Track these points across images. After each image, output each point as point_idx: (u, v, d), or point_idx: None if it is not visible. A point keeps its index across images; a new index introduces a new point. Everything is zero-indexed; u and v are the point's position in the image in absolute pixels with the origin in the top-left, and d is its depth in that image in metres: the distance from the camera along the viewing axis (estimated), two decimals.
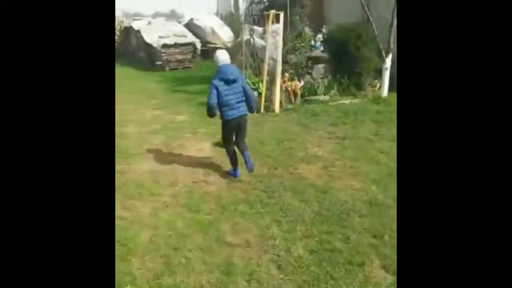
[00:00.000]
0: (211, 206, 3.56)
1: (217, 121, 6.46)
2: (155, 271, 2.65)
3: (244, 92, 4.05)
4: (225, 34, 14.52)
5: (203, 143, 5.44)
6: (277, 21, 6.49)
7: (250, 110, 4.21)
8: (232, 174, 4.22)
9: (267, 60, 6.79)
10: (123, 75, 11.79)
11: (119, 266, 2.71)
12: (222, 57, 4.06)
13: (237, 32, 13.66)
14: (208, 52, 14.82)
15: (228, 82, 3.92)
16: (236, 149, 4.21)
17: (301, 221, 3.23)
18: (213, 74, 4.04)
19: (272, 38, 6.62)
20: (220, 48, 14.44)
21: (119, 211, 3.52)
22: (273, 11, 6.64)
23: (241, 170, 4.23)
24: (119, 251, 2.90)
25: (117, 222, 3.31)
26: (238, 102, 4.00)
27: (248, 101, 4.10)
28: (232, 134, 4.18)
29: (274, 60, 6.65)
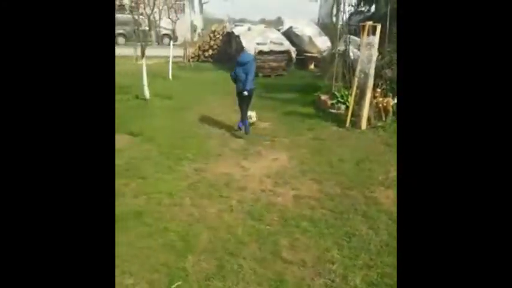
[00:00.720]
0: (274, 217, 3.52)
1: (300, 131, 6.44)
2: (207, 272, 2.71)
3: (248, 72, 5.90)
4: (323, 43, 14.36)
5: (280, 152, 5.43)
6: (374, 33, 6.20)
7: (243, 87, 5.96)
8: (239, 124, 6.29)
9: (357, 73, 6.52)
10: (219, 78, 12.45)
11: (175, 260, 2.84)
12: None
13: (334, 42, 13.46)
14: (304, 61, 14.89)
15: (241, 64, 5.99)
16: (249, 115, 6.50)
17: (366, 249, 3.01)
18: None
19: (366, 51, 6.34)
20: (316, 57, 14.43)
21: (188, 208, 3.70)
22: (369, 23, 6.37)
23: (314, 187, 4.12)
24: (179, 245, 3.05)
25: (184, 218, 3.50)
26: (246, 73, 5.93)
27: (243, 79, 5.92)
28: (241, 103, 6.23)
29: (366, 74, 6.36)
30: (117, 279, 2.62)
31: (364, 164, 4.87)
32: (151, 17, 9.56)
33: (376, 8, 10.96)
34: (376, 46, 6.25)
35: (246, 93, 5.98)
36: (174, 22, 12.94)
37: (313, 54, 14.71)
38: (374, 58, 6.25)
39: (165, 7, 12.15)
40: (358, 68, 6.55)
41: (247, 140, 5.96)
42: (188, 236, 3.18)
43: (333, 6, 9.81)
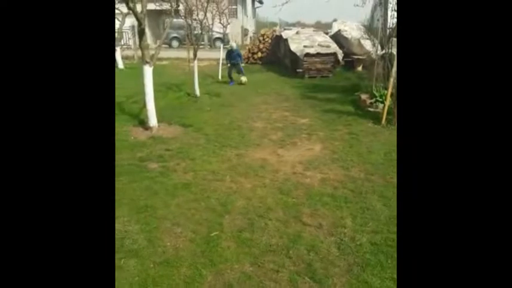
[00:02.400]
0: (300, 193, 4.08)
1: (336, 127, 6.88)
2: (240, 227, 3.34)
3: (235, 56, 12.15)
4: (371, 46, 14.54)
5: (315, 144, 5.94)
6: None
7: (237, 62, 12.18)
8: (230, 83, 11.83)
9: (393, 73, 6.86)
10: (265, 79, 13.14)
11: (215, 218, 3.51)
12: (233, 44, 12.47)
13: (383, 45, 13.57)
14: (352, 63, 15.15)
15: (231, 52, 12.09)
16: (233, 74, 12.14)
17: (376, 220, 3.47)
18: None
19: None
20: (364, 59, 14.62)
21: (228, 183, 4.37)
22: None
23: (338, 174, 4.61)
24: (218, 208, 3.71)
25: (224, 190, 4.16)
26: (233, 58, 12.04)
27: (237, 60, 12.19)
28: (231, 70, 12.12)
29: None
30: (169, 228, 3.34)
31: (391, 155, 5.25)
32: (204, 22, 10.44)
33: None
34: None
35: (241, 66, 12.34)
36: (225, 27, 13.81)
37: (360, 57, 14.94)
38: None
39: (218, 12, 13.07)
40: (394, 68, 6.88)
41: (285, 133, 6.54)
42: (226, 202, 3.84)
43: (376, 10, 10.06)
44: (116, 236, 3.20)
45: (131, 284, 2.65)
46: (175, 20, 14.50)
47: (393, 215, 3.57)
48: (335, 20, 19.25)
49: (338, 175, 4.61)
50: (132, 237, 3.21)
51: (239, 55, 12.46)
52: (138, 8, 5.91)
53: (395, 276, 2.67)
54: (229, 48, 12.28)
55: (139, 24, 5.96)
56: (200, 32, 10.85)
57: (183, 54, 16.24)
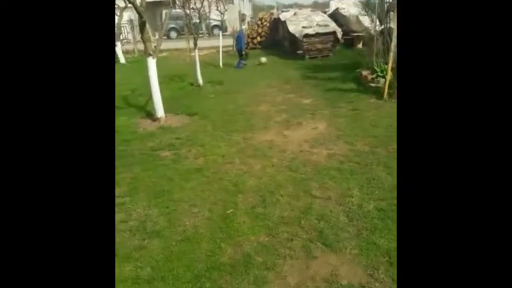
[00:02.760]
0: (308, 169, 4.26)
1: (339, 104, 7.01)
2: (252, 204, 3.54)
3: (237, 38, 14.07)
4: (369, 22, 14.48)
5: (319, 122, 6.09)
6: None
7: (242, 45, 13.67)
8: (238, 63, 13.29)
9: (392, 47, 6.94)
10: (269, 63, 13.24)
11: (228, 197, 3.70)
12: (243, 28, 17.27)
13: (381, 20, 13.51)
14: (352, 40, 15.11)
15: (240, 35, 13.87)
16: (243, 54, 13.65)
17: (381, 188, 3.65)
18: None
19: None
20: (364, 36, 14.56)
21: (238, 165, 4.55)
22: None
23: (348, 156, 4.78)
24: (231, 188, 3.90)
25: (234, 171, 4.35)
26: (240, 41, 13.55)
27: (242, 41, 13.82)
28: (239, 51, 13.55)
29: None
30: (187, 209, 3.54)
31: (393, 128, 5.39)
32: (202, 11, 10.50)
33: None
34: None
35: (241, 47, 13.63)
36: (222, 14, 13.84)
37: (360, 34, 14.89)
38: None
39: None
40: (393, 43, 6.95)
41: (289, 114, 6.68)
42: (238, 182, 4.03)
43: None
44: (137, 220, 3.42)
45: (157, 260, 2.86)
46: (172, 10, 14.55)
47: None
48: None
49: (343, 150, 4.77)
50: (152, 220, 3.42)
51: (239, 37, 13.97)
52: (138, 0, 6.03)
53: None
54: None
55: (140, 17, 6.08)
56: (198, 20, 10.91)
57: (181, 44, 16.31)
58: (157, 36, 7.48)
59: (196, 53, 10.07)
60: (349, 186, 3.75)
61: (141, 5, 6.04)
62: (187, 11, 10.57)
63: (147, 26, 6.77)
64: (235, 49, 14.82)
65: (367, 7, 10.94)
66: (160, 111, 6.71)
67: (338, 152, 4.71)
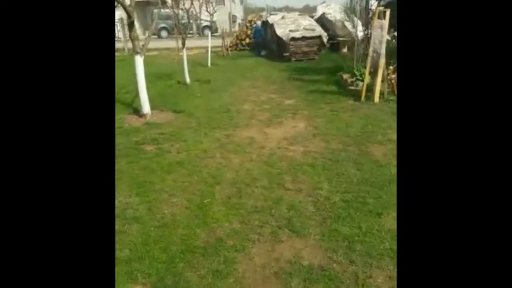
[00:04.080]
0: (284, 164, 4.52)
1: (319, 105, 7.28)
2: (229, 194, 3.78)
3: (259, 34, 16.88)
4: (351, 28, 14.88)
5: (299, 122, 6.37)
6: (384, 17, 6.90)
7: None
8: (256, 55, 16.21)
9: (370, 53, 7.27)
10: (253, 64, 13.50)
11: (207, 188, 3.94)
12: (258, 23, 17.42)
13: (367, 26, 13.93)
14: (337, 45, 15.50)
15: (257, 29, 16.82)
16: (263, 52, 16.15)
17: (349, 182, 3.93)
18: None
19: (377, 33, 7.06)
20: (346, 41, 14.98)
21: (218, 159, 4.79)
22: (380, 8, 7.07)
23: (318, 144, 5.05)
24: (209, 180, 4.14)
25: (214, 165, 4.59)
26: (258, 36, 16.68)
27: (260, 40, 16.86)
28: (258, 46, 16.74)
29: (378, 53, 7.08)
30: (167, 199, 3.76)
31: (368, 128, 5.70)
32: (191, 11, 10.70)
33: None
34: (386, 28, 6.94)
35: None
36: (211, 15, 14.06)
37: (345, 39, 15.28)
38: (384, 39, 6.94)
39: (204, 0, 13.31)
40: (371, 48, 7.29)
41: (271, 114, 6.95)
42: (217, 175, 4.27)
43: None
44: (118, 208, 3.62)
45: (135, 243, 3.08)
46: (162, 10, 14.71)
47: (365, 177, 4.03)
48: (324, 2, 19.53)
49: (318, 147, 5.05)
50: (133, 207, 3.63)
51: (257, 31, 17.06)
52: (127, 0, 6.23)
53: (361, 225, 3.13)
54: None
55: (129, 16, 6.28)
56: (188, 21, 11.11)
57: (172, 44, 16.47)
58: (146, 35, 7.68)
59: (185, 53, 10.28)
60: (319, 180, 4.02)
61: (130, 5, 6.24)
62: (177, 11, 10.77)
63: (136, 25, 6.96)
64: (253, 40, 17.44)
65: (350, 13, 11.32)
66: (146, 108, 6.90)
67: (313, 150, 4.98)
